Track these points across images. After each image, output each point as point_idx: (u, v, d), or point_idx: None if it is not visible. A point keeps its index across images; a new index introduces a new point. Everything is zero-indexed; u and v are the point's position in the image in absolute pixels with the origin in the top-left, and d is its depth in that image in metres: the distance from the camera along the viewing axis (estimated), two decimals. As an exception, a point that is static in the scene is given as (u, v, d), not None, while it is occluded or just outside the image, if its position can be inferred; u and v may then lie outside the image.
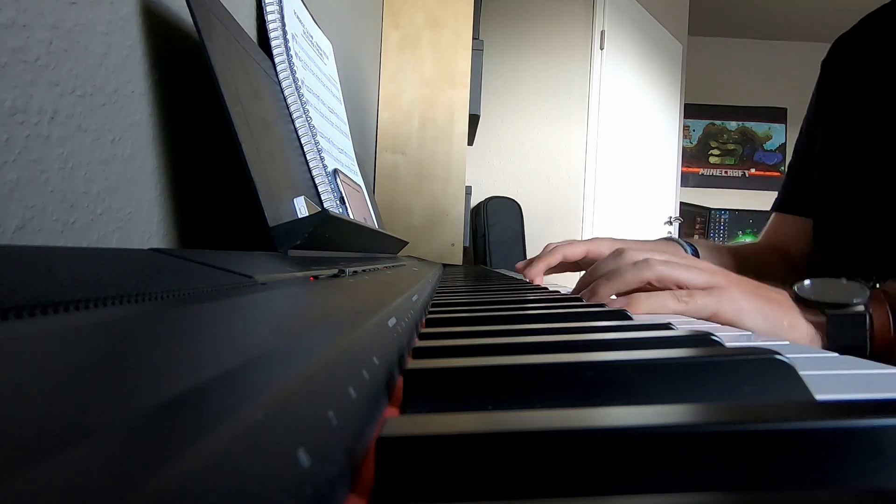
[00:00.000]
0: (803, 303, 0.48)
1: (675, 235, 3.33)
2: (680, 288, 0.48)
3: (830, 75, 0.79)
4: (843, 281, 0.48)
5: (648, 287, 0.49)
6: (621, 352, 0.20)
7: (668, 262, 0.49)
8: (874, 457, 0.11)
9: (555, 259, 0.71)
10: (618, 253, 0.53)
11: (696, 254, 0.78)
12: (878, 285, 0.47)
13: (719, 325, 0.44)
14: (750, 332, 0.40)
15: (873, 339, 0.45)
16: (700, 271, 0.48)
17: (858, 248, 0.67)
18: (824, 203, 0.76)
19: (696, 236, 3.95)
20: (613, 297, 0.51)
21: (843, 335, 0.45)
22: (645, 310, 0.46)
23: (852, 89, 0.73)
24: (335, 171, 0.71)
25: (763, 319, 0.46)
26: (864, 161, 0.68)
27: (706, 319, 0.46)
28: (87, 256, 0.19)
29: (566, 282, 0.80)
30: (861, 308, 0.46)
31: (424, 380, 0.17)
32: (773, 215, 0.90)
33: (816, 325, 0.47)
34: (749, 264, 0.84)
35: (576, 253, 0.71)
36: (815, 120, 0.81)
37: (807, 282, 0.49)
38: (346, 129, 0.91)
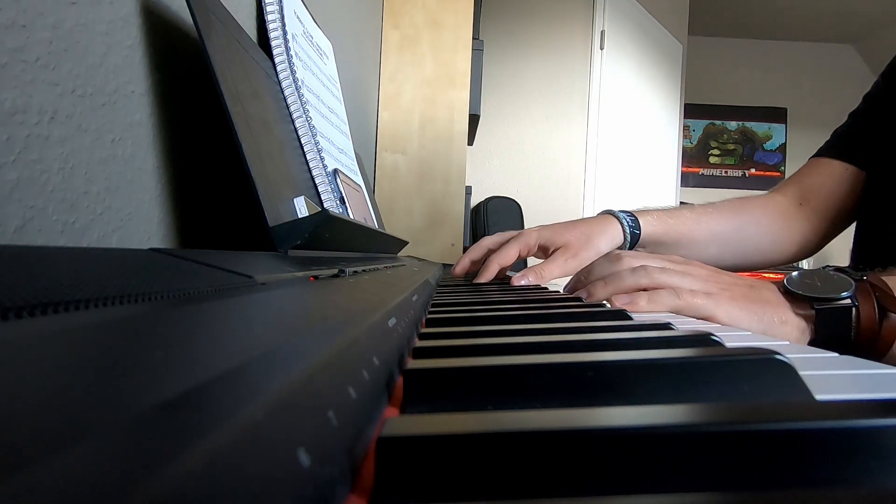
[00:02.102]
0: (792, 296, 0.49)
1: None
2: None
3: None
4: (831, 272, 0.49)
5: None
6: (621, 352, 0.20)
7: (665, 269, 0.50)
8: (874, 457, 0.11)
9: (492, 272, 0.72)
10: (614, 258, 0.55)
11: (635, 225, 0.78)
12: (864, 277, 0.49)
13: (719, 325, 0.44)
14: (750, 332, 0.41)
15: (860, 330, 0.46)
16: (694, 278, 0.50)
17: None
18: (882, 157, 0.75)
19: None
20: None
21: (830, 328, 0.47)
22: (647, 309, 0.48)
23: None
24: (335, 171, 0.71)
25: (757, 321, 0.48)
26: None
27: (702, 320, 0.48)
28: (87, 256, 0.19)
29: (564, 281, 0.81)
30: (847, 301, 0.47)
31: (424, 380, 0.17)
32: (809, 161, 0.88)
33: (806, 319, 0.48)
34: (752, 230, 0.82)
35: (508, 258, 0.73)
36: (885, 84, 0.79)
37: (794, 274, 0.50)
38: (346, 129, 0.91)
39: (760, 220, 0.84)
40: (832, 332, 0.47)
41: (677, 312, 0.47)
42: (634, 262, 0.52)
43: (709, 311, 0.47)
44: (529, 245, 0.75)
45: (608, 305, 0.49)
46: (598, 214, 0.81)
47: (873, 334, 0.46)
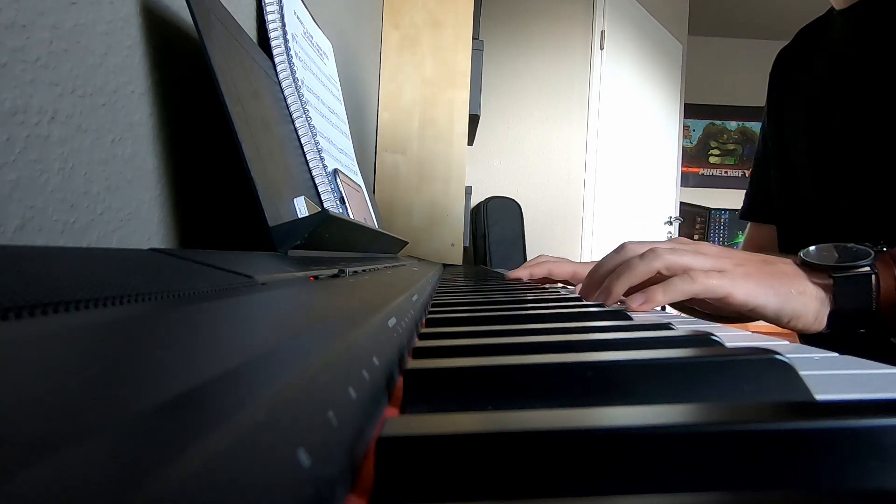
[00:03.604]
0: (809, 267, 0.48)
1: (675, 235, 3.33)
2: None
3: (777, 84, 0.83)
4: (849, 245, 0.48)
5: (658, 277, 0.49)
6: (621, 352, 0.20)
7: (674, 248, 0.49)
8: (874, 457, 0.11)
9: (540, 272, 0.77)
10: (620, 248, 0.53)
11: None
12: (884, 249, 0.48)
13: (719, 325, 0.44)
14: (750, 332, 0.41)
15: (879, 299, 0.45)
16: (706, 256, 0.48)
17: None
18: (784, 211, 0.78)
19: (696, 237, 3.95)
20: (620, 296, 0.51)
21: (849, 296, 0.46)
22: (666, 300, 0.46)
23: (798, 93, 0.77)
24: (335, 171, 0.71)
25: (773, 294, 0.47)
26: (821, 163, 0.71)
27: (719, 302, 0.46)
28: (87, 256, 0.19)
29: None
30: (867, 269, 0.46)
31: (424, 380, 0.17)
32: (748, 225, 0.93)
33: (824, 288, 0.47)
34: None
35: (563, 272, 0.77)
36: (768, 128, 0.84)
37: (812, 248, 0.49)
38: (346, 129, 0.91)
39: None
40: (852, 302, 0.46)
41: (694, 296, 0.46)
42: (640, 249, 0.50)
43: (725, 289, 0.45)
44: (581, 277, 0.78)
45: (626, 304, 0.47)
46: None
47: (894, 303, 0.45)
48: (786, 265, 0.49)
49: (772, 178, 0.82)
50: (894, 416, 0.11)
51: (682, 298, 0.46)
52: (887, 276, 0.45)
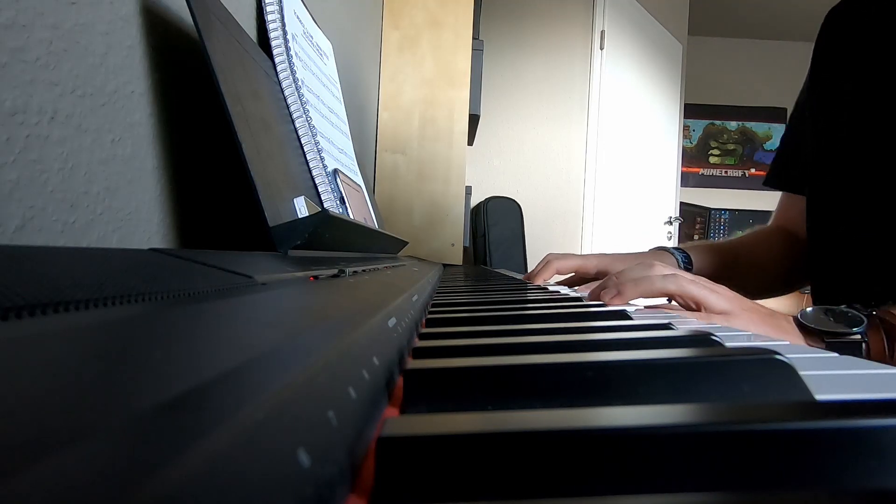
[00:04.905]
0: (806, 330, 0.51)
1: (676, 235, 3.33)
2: (697, 307, 0.52)
3: (823, 48, 0.78)
4: (844, 309, 0.52)
5: (670, 297, 0.53)
6: (621, 352, 0.20)
7: (695, 281, 0.52)
8: (874, 457, 0.11)
9: (549, 274, 0.80)
10: (648, 265, 0.56)
11: (688, 261, 0.82)
12: (874, 312, 0.51)
13: (719, 325, 0.44)
14: (750, 332, 0.41)
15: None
16: (720, 296, 0.52)
17: (851, 225, 0.69)
18: (814, 179, 0.76)
19: (696, 236, 3.95)
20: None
21: None
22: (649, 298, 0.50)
23: (848, 62, 0.72)
24: (335, 171, 0.71)
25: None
26: (860, 138, 0.68)
27: None
28: (87, 256, 0.19)
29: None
30: (858, 337, 0.49)
31: (424, 380, 0.17)
32: (781, 195, 0.91)
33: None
34: (743, 260, 0.85)
35: (567, 266, 0.80)
36: (809, 96, 0.80)
37: (809, 309, 0.53)
38: (346, 129, 0.91)
39: (773, 247, 0.87)
40: None
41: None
42: (666, 271, 0.54)
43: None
44: (588, 268, 0.81)
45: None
46: (651, 250, 0.86)
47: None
48: (787, 323, 0.52)
49: (805, 147, 0.78)
50: (894, 416, 0.11)
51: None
52: (877, 342, 0.49)
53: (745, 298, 0.53)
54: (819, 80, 0.78)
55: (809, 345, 0.50)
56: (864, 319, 0.49)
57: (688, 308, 0.52)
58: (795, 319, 0.52)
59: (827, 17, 0.79)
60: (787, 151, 0.87)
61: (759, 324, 0.50)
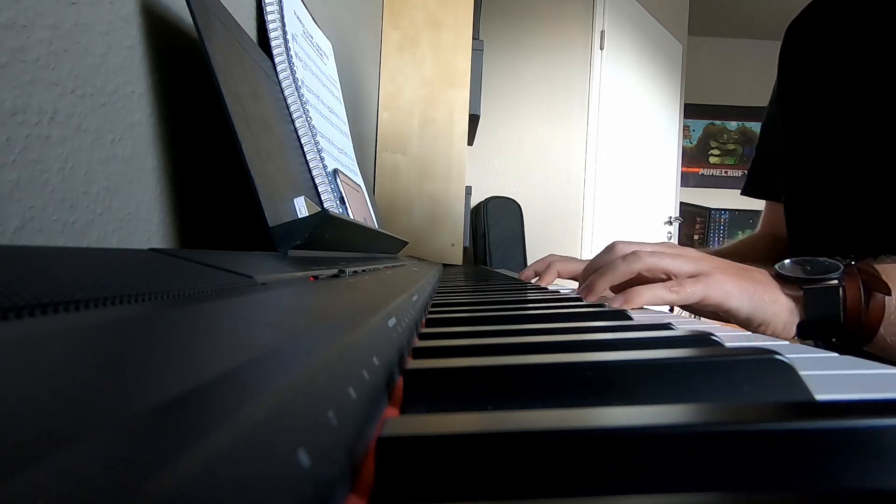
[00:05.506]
0: (782, 279, 0.51)
1: (676, 235, 3.33)
2: (668, 277, 0.51)
3: (787, 59, 0.82)
4: (821, 259, 0.51)
5: (640, 278, 0.52)
6: (621, 352, 0.20)
7: (655, 252, 0.52)
8: (874, 457, 0.11)
9: (550, 278, 0.79)
10: (609, 248, 0.56)
11: None
12: (852, 262, 0.50)
13: (719, 325, 0.44)
14: (750, 333, 0.41)
15: (846, 309, 0.48)
16: (686, 259, 0.51)
17: (829, 228, 0.70)
18: (789, 185, 0.78)
19: (696, 237, 3.95)
20: (609, 292, 0.54)
21: (818, 306, 0.49)
22: (642, 303, 0.49)
23: (811, 70, 0.75)
24: (335, 171, 0.71)
25: (748, 299, 0.49)
26: (830, 142, 0.70)
27: (696, 305, 0.49)
28: (87, 256, 0.19)
29: (568, 283, 0.83)
30: (835, 281, 0.49)
31: (424, 380, 0.17)
32: (765, 204, 0.93)
33: (795, 299, 0.50)
34: (736, 261, 0.86)
35: (568, 270, 0.79)
36: (778, 106, 0.83)
37: (787, 261, 0.52)
38: (346, 129, 0.91)
39: (761, 251, 0.88)
40: (820, 311, 0.49)
41: (673, 304, 0.49)
42: (626, 249, 0.53)
43: (701, 293, 0.48)
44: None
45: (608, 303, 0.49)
46: None
47: (860, 314, 0.48)
48: (761, 274, 0.52)
49: (778, 155, 0.80)
50: (894, 416, 0.11)
51: (660, 304, 0.49)
52: (853, 287, 0.48)
53: (711, 256, 0.53)
54: (786, 90, 0.81)
55: (786, 293, 0.50)
56: (841, 267, 0.49)
57: (659, 280, 0.51)
58: (773, 271, 0.52)
59: (788, 30, 0.83)
60: (761, 161, 0.89)
61: (735, 278, 0.49)
